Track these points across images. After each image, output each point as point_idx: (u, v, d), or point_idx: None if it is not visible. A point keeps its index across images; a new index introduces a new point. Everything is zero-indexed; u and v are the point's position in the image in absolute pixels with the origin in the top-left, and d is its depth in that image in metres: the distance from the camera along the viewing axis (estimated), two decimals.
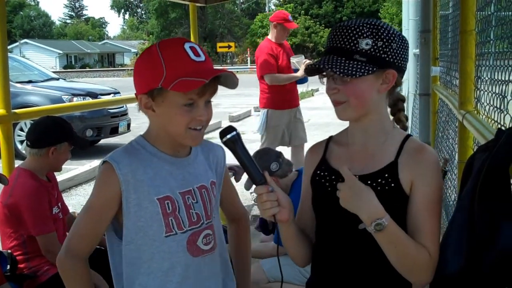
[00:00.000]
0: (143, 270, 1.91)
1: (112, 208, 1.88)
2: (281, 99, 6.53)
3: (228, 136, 1.77)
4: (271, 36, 6.67)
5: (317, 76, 1.90)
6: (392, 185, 1.78)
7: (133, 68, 1.95)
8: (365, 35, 1.75)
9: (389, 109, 1.93)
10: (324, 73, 1.83)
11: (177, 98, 1.81)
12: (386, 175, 1.79)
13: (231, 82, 1.90)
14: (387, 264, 1.78)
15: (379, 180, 1.79)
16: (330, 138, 2.01)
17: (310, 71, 1.85)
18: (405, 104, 1.98)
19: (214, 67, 1.93)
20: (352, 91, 1.76)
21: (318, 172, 1.93)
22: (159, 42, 1.88)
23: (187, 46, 1.84)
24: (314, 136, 7.26)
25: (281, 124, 6.60)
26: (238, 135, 1.78)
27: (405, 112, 1.98)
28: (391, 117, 1.95)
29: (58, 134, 3.42)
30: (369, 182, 1.79)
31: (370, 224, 1.68)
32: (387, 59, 1.76)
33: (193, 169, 1.99)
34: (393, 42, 1.77)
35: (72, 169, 8.53)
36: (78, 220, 1.95)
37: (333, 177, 1.86)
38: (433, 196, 1.78)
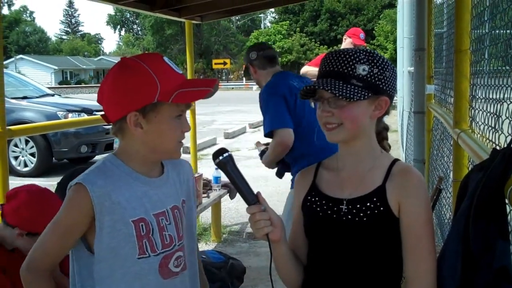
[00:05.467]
0: None
1: (80, 228, 1.84)
2: None
3: (221, 158, 1.79)
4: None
5: None
6: (381, 208, 1.79)
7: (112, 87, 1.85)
8: (362, 61, 1.78)
9: None
10: (316, 97, 1.84)
11: (170, 111, 1.83)
12: (375, 199, 1.80)
13: (211, 91, 1.90)
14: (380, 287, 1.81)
15: (368, 204, 1.80)
16: (320, 163, 2.02)
17: (304, 94, 1.85)
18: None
19: None
20: (347, 114, 1.78)
21: (309, 197, 1.93)
22: (138, 57, 1.85)
23: (166, 59, 1.87)
24: None
25: None
26: (230, 156, 1.80)
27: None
28: None
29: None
30: (358, 206, 1.81)
31: None
32: (381, 86, 1.80)
33: (167, 189, 1.96)
34: (386, 70, 1.81)
35: None
36: (44, 234, 1.90)
37: (324, 202, 1.88)
38: (420, 217, 1.78)
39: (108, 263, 1.85)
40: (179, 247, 1.96)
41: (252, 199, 1.78)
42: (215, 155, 1.81)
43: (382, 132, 1.97)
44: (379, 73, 1.79)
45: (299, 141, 3.95)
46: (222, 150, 1.82)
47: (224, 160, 1.80)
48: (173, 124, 1.85)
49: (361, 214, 1.79)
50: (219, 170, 5.77)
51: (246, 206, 1.80)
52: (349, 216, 1.81)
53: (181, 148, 1.95)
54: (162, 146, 1.88)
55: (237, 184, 1.80)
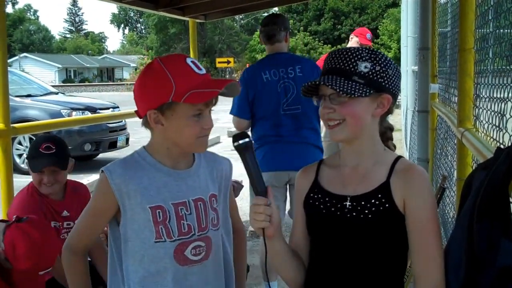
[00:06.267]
0: (135, 268, 2.03)
1: (108, 212, 2.03)
2: None
3: (241, 141, 1.80)
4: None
5: None
6: (387, 205, 1.80)
7: (133, 84, 2.04)
8: (364, 58, 1.79)
9: None
10: (318, 94, 1.85)
11: (186, 110, 1.92)
12: (380, 195, 1.81)
13: (233, 90, 2.00)
14: (383, 286, 1.83)
15: (373, 201, 1.81)
16: (321, 161, 2.03)
17: (306, 91, 1.86)
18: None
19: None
20: (348, 111, 1.79)
21: (311, 195, 1.94)
22: (161, 59, 1.97)
23: (188, 61, 1.96)
24: None
25: None
26: (251, 142, 1.82)
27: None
28: None
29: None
30: (362, 203, 1.82)
31: None
32: (383, 83, 1.81)
33: (192, 182, 2.07)
34: (389, 68, 1.82)
35: None
36: (79, 220, 2.12)
37: (327, 199, 1.88)
38: (426, 213, 1.79)
39: (132, 243, 2.02)
40: (200, 237, 2.06)
41: (262, 190, 1.79)
42: (235, 138, 1.81)
43: (386, 132, 1.96)
44: (381, 71, 1.80)
45: (253, 128, 4.42)
46: (244, 134, 1.82)
47: (243, 144, 1.80)
48: (191, 121, 1.94)
49: (366, 211, 1.80)
50: None
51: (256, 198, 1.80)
52: (354, 213, 1.82)
53: (206, 143, 2.04)
54: (182, 141, 1.99)
55: (251, 172, 1.80)
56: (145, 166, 2.03)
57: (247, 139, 1.80)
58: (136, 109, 2.05)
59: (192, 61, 1.96)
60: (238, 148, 1.81)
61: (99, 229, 2.14)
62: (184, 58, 1.97)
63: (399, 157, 1.91)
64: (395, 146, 2.02)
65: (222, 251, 2.18)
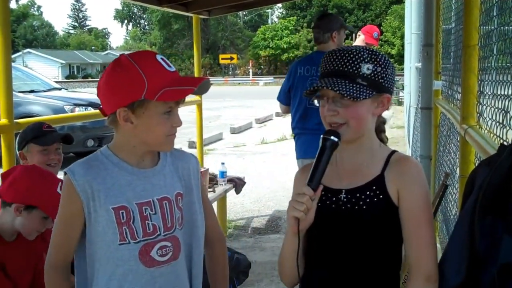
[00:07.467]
0: (100, 273, 1.96)
1: (78, 216, 1.94)
2: None
3: (331, 137, 1.81)
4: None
5: None
6: (381, 196, 1.83)
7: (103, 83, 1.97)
8: (366, 60, 1.80)
9: None
10: (318, 95, 1.86)
11: (158, 108, 1.89)
12: (374, 187, 1.84)
13: (203, 88, 1.97)
14: (380, 281, 1.85)
15: (368, 193, 1.84)
16: None
17: (309, 92, 1.86)
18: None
19: (209, 78, 2.02)
20: (352, 113, 1.80)
21: None
22: (130, 55, 1.93)
23: (158, 57, 1.93)
24: None
25: None
26: (337, 144, 1.81)
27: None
28: None
29: (21, 138, 3.43)
30: (357, 195, 1.85)
31: None
32: (383, 83, 1.83)
33: (157, 180, 2.02)
34: (388, 68, 1.84)
35: None
36: (52, 233, 2.03)
37: (323, 193, 1.87)
38: (419, 203, 1.82)
39: (96, 247, 1.95)
40: (166, 237, 2.00)
41: (315, 185, 1.79)
42: (330, 132, 1.82)
43: (380, 126, 1.99)
44: (381, 72, 1.82)
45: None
46: (338, 134, 1.82)
47: (331, 141, 1.81)
48: (162, 119, 1.91)
49: (361, 203, 1.83)
50: (225, 166, 5.76)
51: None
52: (348, 205, 1.85)
53: (173, 141, 2.00)
54: (152, 139, 1.95)
55: (319, 164, 1.81)
56: (108, 165, 1.97)
57: (336, 139, 1.81)
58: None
59: (161, 58, 1.93)
60: (325, 141, 1.82)
61: (74, 238, 1.99)
62: (154, 55, 1.93)
63: (394, 151, 1.94)
64: (387, 138, 2.05)
65: (194, 252, 2.12)
